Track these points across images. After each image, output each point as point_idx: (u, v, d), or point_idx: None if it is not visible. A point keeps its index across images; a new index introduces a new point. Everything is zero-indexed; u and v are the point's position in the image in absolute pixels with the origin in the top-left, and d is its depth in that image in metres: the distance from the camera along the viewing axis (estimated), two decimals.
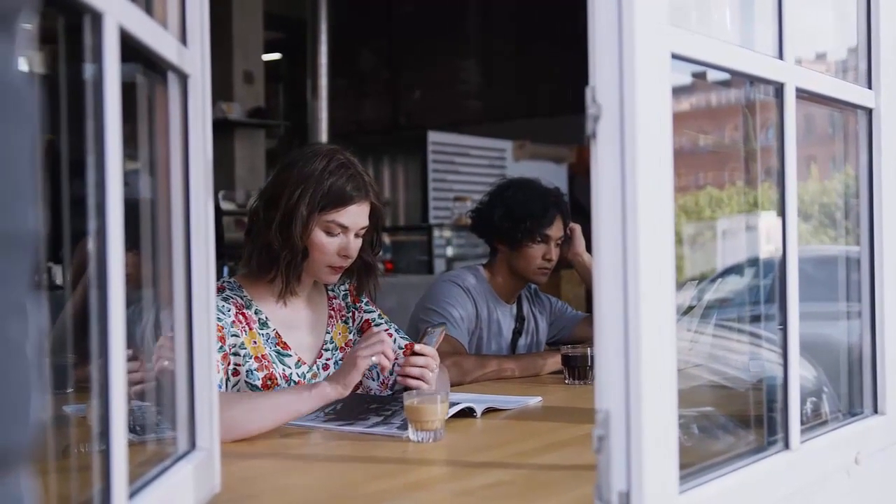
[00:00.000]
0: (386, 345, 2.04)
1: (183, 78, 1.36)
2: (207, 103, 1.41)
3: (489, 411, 2.22)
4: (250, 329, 2.23)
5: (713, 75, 1.59)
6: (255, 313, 2.26)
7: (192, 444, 1.39)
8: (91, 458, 1.18)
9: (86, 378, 1.16)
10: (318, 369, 2.33)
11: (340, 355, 2.37)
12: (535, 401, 2.39)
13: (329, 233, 2.23)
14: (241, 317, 2.22)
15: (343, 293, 2.47)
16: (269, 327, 2.27)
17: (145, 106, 1.36)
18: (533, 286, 3.25)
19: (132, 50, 1.13)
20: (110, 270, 1.02)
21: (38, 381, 0.56)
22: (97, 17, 1.00)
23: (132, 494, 1.11)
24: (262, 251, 2.24)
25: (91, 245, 1.03)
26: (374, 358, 2.02)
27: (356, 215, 2.25)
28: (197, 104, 1.39)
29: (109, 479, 1.02)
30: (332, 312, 2.42)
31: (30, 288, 0.57)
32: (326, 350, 2.37)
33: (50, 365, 0.80)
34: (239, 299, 2.24)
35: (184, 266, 1.38)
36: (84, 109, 1.05)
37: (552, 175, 7.03)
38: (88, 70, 1.04)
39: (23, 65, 0.58)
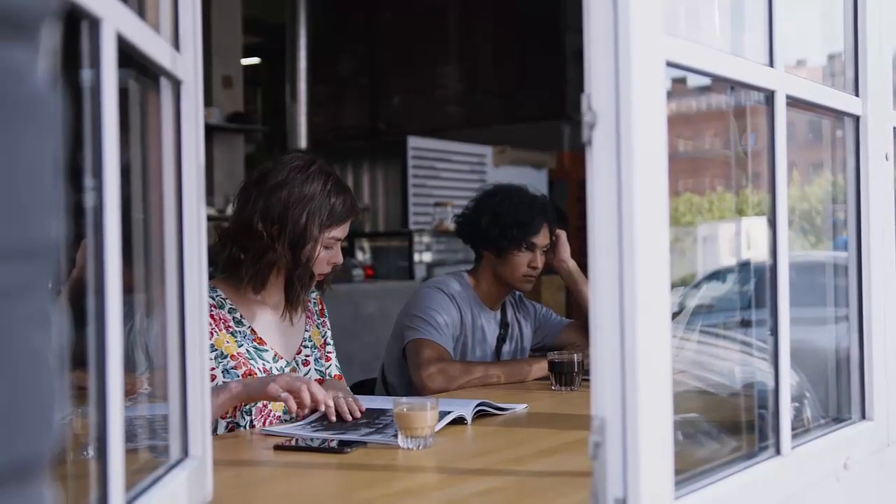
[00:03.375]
0: (303, 393, 2.04)
1: (176, 84, 1.36)
2: (200, 109, 1.41)
3: (479, 416, 2.22)
4: (220, 330, 2.28)
5: (693, 81, 1.59)
6: (229, 312, 2.32)
7: (185, 453, 1.38)
8: (81, 465, 1.17)
9: (74, 385, 1.15)
10: (297, 364, 2.42)
11: (318, 353, 2.49)
12: (521, 408, 2.39)
13: (326, 247, 2.35)
14: (209, 319, 2.24)
15: (313, 301, 2.57)
16: (244, 325, 2.33)
17: (137, 111, 1.35)
18: (517, 292, 3.25)
19: (126, 55, 1.12)
20: (107, 276, 1.01)
21: (59, 389, 0.56)
22: (95, 23, 1.00)
23: (127, 503, 1.10)
24: (267, 269, 2.31)
25: (88, 252, 1.02)
26: (283, 395, 2.02)
27: (348, 227, 2.40)
28: (190, 110, 1.38)
29: (106, 487, 1.01)
30: (309, 313, 2.52)
31: (51, 297, 0.57)
32: (306, 347, 2.46)
33: None
34: (210, 300, 2.26)
35: (176, 273, 1.37)
36: (80, 114, 1.04)
37: (532, 181, 7.04)
38: (85, 75, 1.03)
39: (46, 73, 0.57)
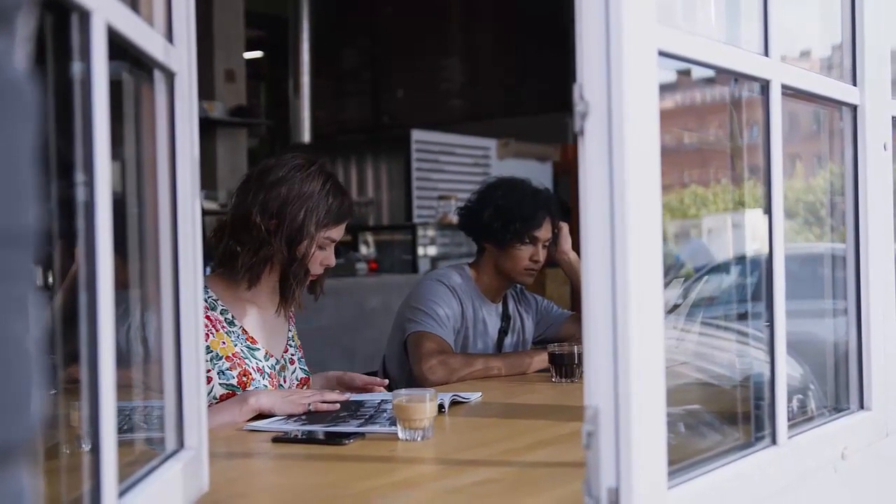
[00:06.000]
0: (327, 396, 2.23)
1: (170, 76, 1.36)
2: (194, 102, 1.41)
3: (476, 407, 2.25)
4: (217, 330, 2.30)
5: (697, 73, 1.59)
6: (221, 313, 2.34)
7: (181, 444, 1.39)
8: (76, 458, 1.17)
9: (71, 379, 1.16)
10: (285, 362, 2.45)
11: (300, 354, 2.53)
12: (475, 396, 2.42)
13: (321, 247, 2.37)
14: (205, 320, 2.25)
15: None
16: (235, 325, 2.35)
17: (131, 104, 1.35)
18: (519, 285, 3.25)
19: (118, 48, 1.13)
20: (99, 271, 1.02)
21: (38, 376, 0.56)
22: (85, 15, 1.00)
23: (121, 493, 1.11)
24: (263, 263, 2.33)
25: (79, 246, 1.02)
26: (311, 407, 2.16)
27: (343, 229, 2.42)
28: (184, 103, 1.38)
29: (99, 478, 1.01)
30: (291, 314, 2.54)
31: (31, 284, 0.57)
32: (291, 346, 2.50)
33: None
34: (202, 302, 2.28)
35: (171, 266, 1.38)
36: (71, 107, 1.04)
37: (536, 174, 7.04)
38: (75, 68, 1.03)
39: (22, 62, 0.58)
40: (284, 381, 2.41)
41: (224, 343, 2.29)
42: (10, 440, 0.54)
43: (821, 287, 2.06)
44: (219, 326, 2.30)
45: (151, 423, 1.47)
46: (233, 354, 2.29)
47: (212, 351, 2.26)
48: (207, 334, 2.25)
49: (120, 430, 1.15)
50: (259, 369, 2.33)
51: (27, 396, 0.55)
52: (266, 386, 2.32)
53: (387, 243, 7.94)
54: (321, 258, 2.37)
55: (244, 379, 2.28)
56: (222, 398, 2.24)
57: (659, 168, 1.25)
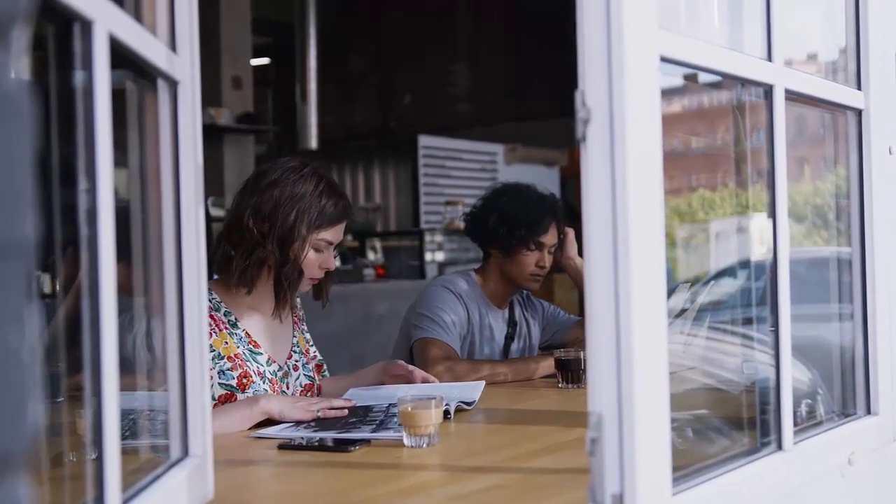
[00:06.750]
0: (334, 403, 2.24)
1: (173, 84, 1.36)
2: (197, 110, 1.41)
3: (458, 411, 2.26)
4: (220, 330, 2.31)
5: (704, 77, 1.59)
6: (225, 315, 2.35)
7: (185, 452, 1.39)
8: (82, 466, 1.18)
9: (77, 387, 1.16)
10: (288, 368, 2.45)
11: (305, 359, 2.51)
12: (479, 386, 2.45)
13: (317, 249, 2.36)
14: (209, 320, 2.27)
15: (298, 305, 2.60)
16: (239, 328, 2.35)
17: (135, 113, 1.36)
18: (525, 290, 3.25)
19: (121, 57, 1.13)
20: (102, 279, 1.02)
21: (35, 387, 0.57)
22: (87, 25, 1.00)
23: (125, 501, 1.11)
24: (256, 266, 2.32)
25: (82, 254, 1.03)
26: (319, 413, 2.16)
27: (341, 232, 2.40)
28: (187, 111, 1.39)
29: (103, 486, 1.02)
30: (296, 320, 2.54)
31: (27, 295, 0.57)
32: (295, 352, 2.49)
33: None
34: (207, 303, 2.29)
35: (175, 274, 1.38)
36: (73, 116, 1.04)
37: (544, 178, 7.04)
38: (78, 77, 1.04)
39: (19, 73, 0.58)
40: (287, 388, 2.41)
41: (227, 343, 2.30)
42: (7, 450, 0.54)
43: (828, 291, 2.05)
44: (222, 326, 2.31)
45: (156, 428, 1.47)
46: (235, 355, 2.29)
47: (214, 350, 2.26)
48: (210, 333, 2.25)
49: (124, 437, 1.15)
50: (260, 373, 2.33)
51: (24, 407, 0.55)
52: (266, 390, 2.31)
53: (394, 249, 7.94)
54: (319, 261, 2.36)
55: (244, 381, 2.28)
56: (221, 399, 2.24)
57: (661, 174, 1.24)
